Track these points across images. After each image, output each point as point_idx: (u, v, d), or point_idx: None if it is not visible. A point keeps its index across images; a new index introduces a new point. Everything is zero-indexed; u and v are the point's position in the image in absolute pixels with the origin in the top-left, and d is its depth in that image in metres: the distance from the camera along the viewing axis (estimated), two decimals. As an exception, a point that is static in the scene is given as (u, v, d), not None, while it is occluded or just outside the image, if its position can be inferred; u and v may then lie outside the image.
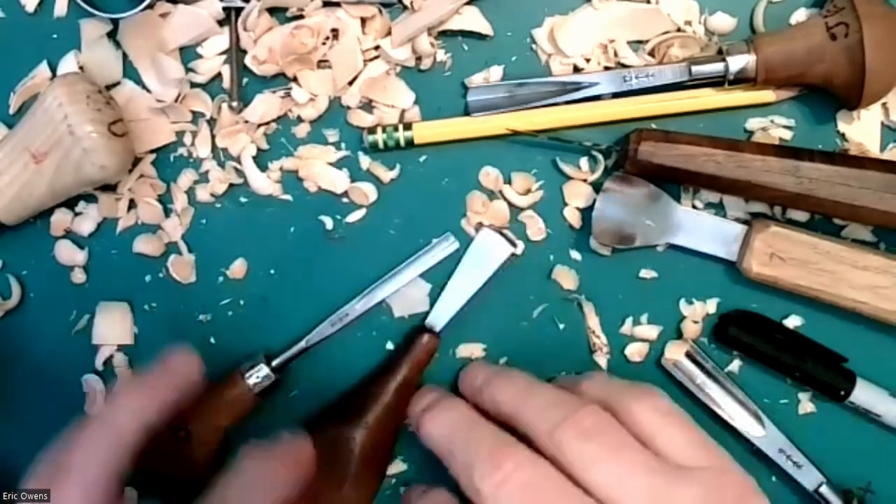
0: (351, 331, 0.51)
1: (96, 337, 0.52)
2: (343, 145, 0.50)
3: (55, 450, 0.38)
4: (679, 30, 0.49)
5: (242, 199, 0.51)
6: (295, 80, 0.49)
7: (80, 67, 0.49)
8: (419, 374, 0.49)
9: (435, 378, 0.52)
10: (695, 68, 0.48)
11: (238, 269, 0.51)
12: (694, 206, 0.50)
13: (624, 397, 0.41)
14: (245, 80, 0.50)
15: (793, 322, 0.51)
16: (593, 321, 0.51)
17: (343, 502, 0.47)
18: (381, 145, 0.49)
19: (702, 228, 0.49)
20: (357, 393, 0.50)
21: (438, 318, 0.50)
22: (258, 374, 0.49)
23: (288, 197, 0.51)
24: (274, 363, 0.49)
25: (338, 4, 0.48)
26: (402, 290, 0.51)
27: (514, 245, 0.50)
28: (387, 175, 0.50)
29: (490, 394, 0.43)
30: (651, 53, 0.49)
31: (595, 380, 0.43)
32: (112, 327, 0.51)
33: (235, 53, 0.49)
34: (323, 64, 0.49)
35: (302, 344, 0.50)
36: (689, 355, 0.51)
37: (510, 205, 0.50)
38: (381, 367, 0.50)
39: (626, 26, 0.49)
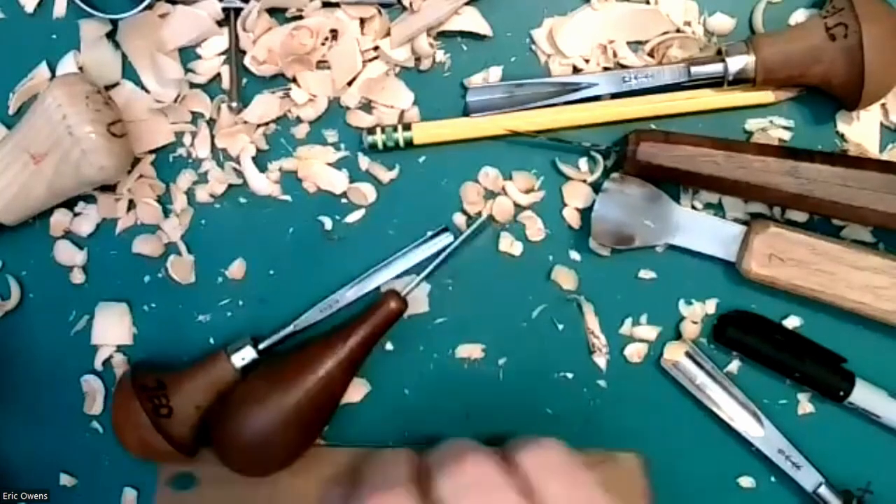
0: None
1: (95, 337, 0.52)
2: (342, 146, 0.50)
3: None
4: (678, 30, 0.49)
5: (242, 200, 0.51)
6: (294, 80, 0.49)
7: (80, 68, 0.49)
8: (379, 336, 0.48)
9: (435, 378, 0.52)
10: (694, 69, 0.48)
11: (237, 269, 0.51)
12: (693, 207, 0.50)
13: (516, 448, 0.39)
14: (244, 80, 0.50)
15: (792, 322, 0.51)
16: (592, 321, 0.51)
17: (279, 438, 0.47)
18: (380, 146, 0.49)
19: (701, 229, 0.49)
20: (316, 343, 0.49)
21: (405, 282, 0.50)
22: (244, 356, 0.49)
23: (287, 197, 0.51)
24: (261, 346, 0.49)
25: (337, 5, 0.48)
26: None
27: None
28: (386, 175, 0.50)
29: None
30: (650, 54, 0.49)
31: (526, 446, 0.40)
32: (111, 327, 0.51)
33: (235, 54, 0.49)
34: (322, 64, 0.49)
35: (290, 328, 0.50)
36: (688, 356, 0.51)
37: (512, 203, 0.50)
38: (343, 324, 0.49)
39: (625, 27, 0.49)
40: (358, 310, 0.49)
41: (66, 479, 0.53)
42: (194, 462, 0.50)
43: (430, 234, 0.50)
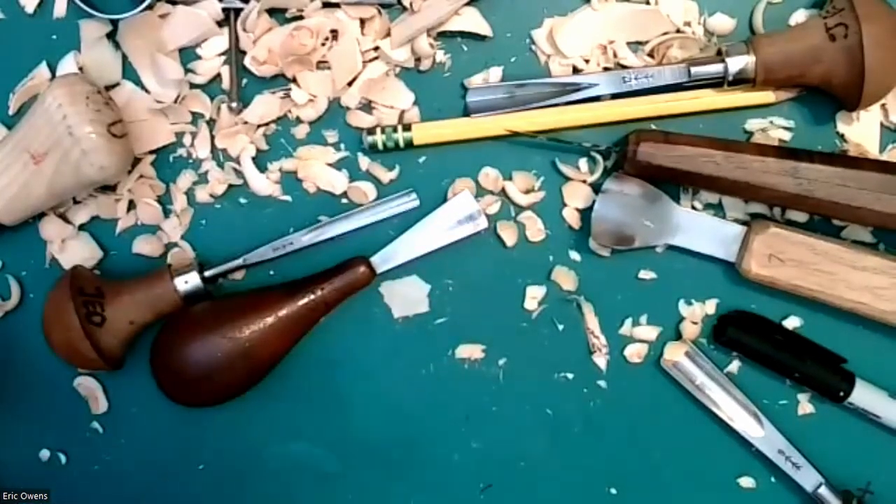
0: (349, 331, 0.51)
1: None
2: (342, 146, 0.50)
3: None
4: (678, 31, 0.49)
5: (242, 200, 0.51)
6: (294, 80, 0.49)
7: (80, 68, 0.49)
8: (340, 301, 0.48)
9: (434, 378, 0.52)
10: (694, 69, 0.48)
11: (238, 271, 0.51)
12: (693, 207, 0.50)
13: None
14: (244, 80, 0.50)
15: (792, 323, 0.51)
16: (592, 322, 0.51)
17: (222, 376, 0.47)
18: (380, 146, 0.49)
19: (701, 229, 0.49)
20: (276, 288, 0.49)
21: (384, 260, 0.49)
22: (187, 279, 0.48)
23: (287, 198, 0.51)
24: (207, 273, 0.49)
25: (337, 5, 0.48)
26: (402, 291, 0.51)
27: (485, 222, 0.49)
28: (386, 176, 0.50)
29: None
30: (650, 54, 0.49)
31: None
32: (111, 328, 0.51)
33: (235, 54, 0.49)
34: (322, 65, 0.49)
35: (239, 261, 0.49)
36: (688, 356, 0.51)
37: (512, 203, 0.50)
38: (308, 279, 0.49)
39: (625, 27, 0.49)
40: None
41: (66, 479, 0.53)
42: None
43: (395, 195, 0.50)
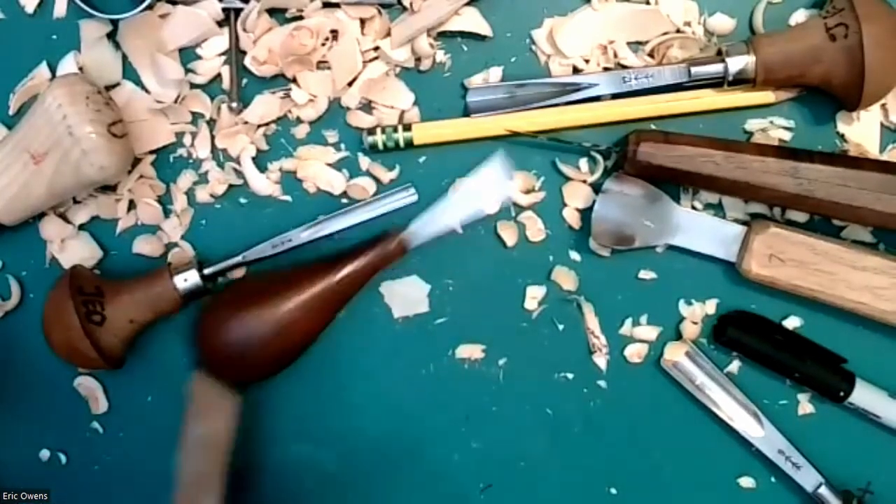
0: (350, 331, 0.51)
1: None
2: (342, 146, 0.50)
3: None
4: (678, 31, 0.49)
5: (242, 200, 0.51)
6: (294, 80, 0.49)
7: (80, 68, 0.49)
8: (372, 275, 0.48)
9: (434, 377, 0.52)
10: (694, 69, 0.48)
11: (238, 269, 0.51)
12: (693, 208, 0.50)
13: None
14: (244, 80, 0.50)
15: (792, 323, 0.51)
16: (593, 322, 0.51)
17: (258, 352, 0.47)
18: (380, 146, 0.49)
19: (701, 229, 0.49)
20: (308, 266, 0.49)
21: (415, 236, 0.49)
22: (186, 277, 0.48)
23: (287, 198, 0.51)
24: (206, 271, 0.49)
25: (337, 5, 0.48)
26: (402, 291, 0.51)
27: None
28: (386, 176, 0.50)
29: None
30: (650, 54, 0.49)
31: None
32: (111, 328, 0.51)
33: (235, 54, 0.49)
34: (322, 65, 0.49)
35: (238, 258, 0.49)
36: (688, 356, 0.51)
37: (512, 203, 0.50)
38: (342, 255, 0.48)
39: (625, 27, 0.49)
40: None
41: (66, 479, 0.53)
42: None
43: (393, 190, 0.50)
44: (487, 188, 0.49)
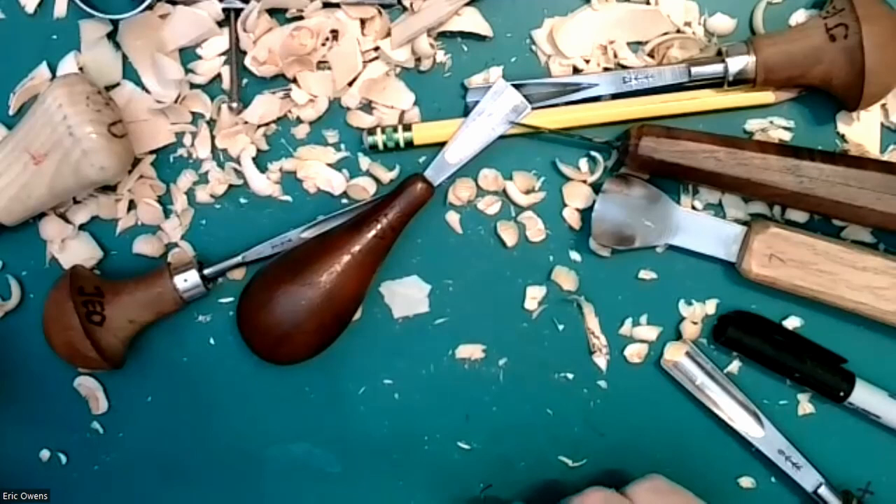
0: (350, 331, 0.51)
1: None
2: (343, 146, 0.50)
3: None
4: (679, 31, 0.49)
5: (242, 200, 0.51)
6: (294, 81, 0.49)
7: (80, 68, 0.49)
8: (406, 222, 0.48)
9: (434, 377, 0.52)
10: (694, 69, 0.48)
11: (238, 270, 0.51)
12: (693, 207, 0.50)
13: (628, 486, 0.48)
14: (245, 81, 0.50)
15: (792, 323, 0.51)
16: (593, 322, 0.51)
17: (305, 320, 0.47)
18: (380, 146, 0.49)
19: (701, 229, 0.49)
20: (341, 229, 0.48)
21: (438, 172, 0.49)
22: (186, 277, 0.48)
23: (287, 198, 0.51)
24: (206, 271, 0.49)
25: (337, 5, 0.48)
26: (402, 291, 0.51)
27: (528, 102, 0.48)
28: (386, 176, 0.50)
29: None
30: (650, 54, 0.49)
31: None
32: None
33: (235, 54, 0.49)
34: (322, 65, 0.49)
35: (237, 259, 0.49)
36: (688, 356, 0.51)
37: (512, 203, 0.50)
38: (369, 210, 0.48)
39: (625, 27, 0.49)
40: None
41: (66, 479, 0.53)
42: None
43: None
44: (498, 109, 0.48)
